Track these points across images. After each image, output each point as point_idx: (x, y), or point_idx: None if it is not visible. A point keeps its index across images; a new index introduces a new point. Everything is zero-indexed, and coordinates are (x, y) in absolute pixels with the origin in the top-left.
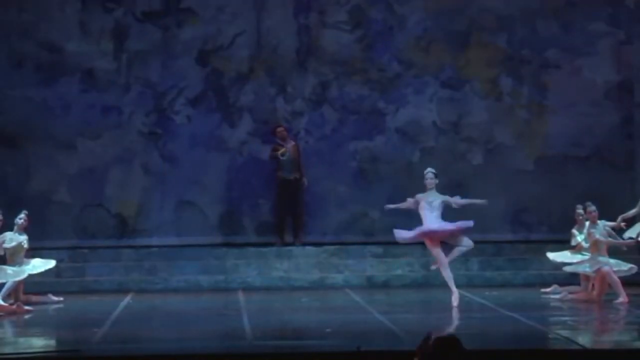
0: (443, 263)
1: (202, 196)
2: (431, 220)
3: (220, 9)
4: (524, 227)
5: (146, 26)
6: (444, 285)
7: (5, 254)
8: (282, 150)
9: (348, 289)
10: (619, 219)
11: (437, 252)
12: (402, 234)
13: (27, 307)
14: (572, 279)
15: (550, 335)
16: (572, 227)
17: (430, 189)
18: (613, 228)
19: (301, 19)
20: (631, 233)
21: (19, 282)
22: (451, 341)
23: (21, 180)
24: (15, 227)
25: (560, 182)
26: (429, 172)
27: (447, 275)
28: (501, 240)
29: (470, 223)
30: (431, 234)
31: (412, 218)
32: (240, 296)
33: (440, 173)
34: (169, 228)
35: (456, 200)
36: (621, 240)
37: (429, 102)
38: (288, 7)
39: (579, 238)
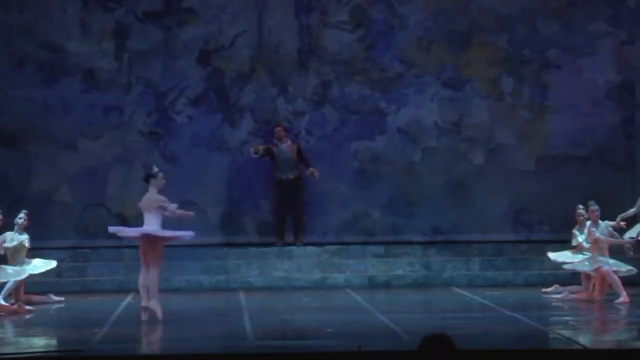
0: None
1: (203, 196)
2: (148, 223)
3: (221, 9)
4: (525, 227)
5: (147, 26)
6: (445, 285)
7: (6, 254)
8: (254, 148)
9: (349, 289)
10: (618, 218)
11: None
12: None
13: (28, 307)
14: (573, 278)
15: (551, 335)
16: (573, 227)
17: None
18: (613, 227)
19: (302, 19)
20: (631, 233)
21: (20, 281)
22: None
23: (22, 180)
24: (16, 227)
25: (561, 182)
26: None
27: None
28: (502, 240)
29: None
30: (151, 238)
31: (414, 217)
32: (242, 296)
33: (441, 173)
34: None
35: (173, 209)
36: (622, 240)
37: (430, 102)
38: (289, 7)
39: (580, 238)
